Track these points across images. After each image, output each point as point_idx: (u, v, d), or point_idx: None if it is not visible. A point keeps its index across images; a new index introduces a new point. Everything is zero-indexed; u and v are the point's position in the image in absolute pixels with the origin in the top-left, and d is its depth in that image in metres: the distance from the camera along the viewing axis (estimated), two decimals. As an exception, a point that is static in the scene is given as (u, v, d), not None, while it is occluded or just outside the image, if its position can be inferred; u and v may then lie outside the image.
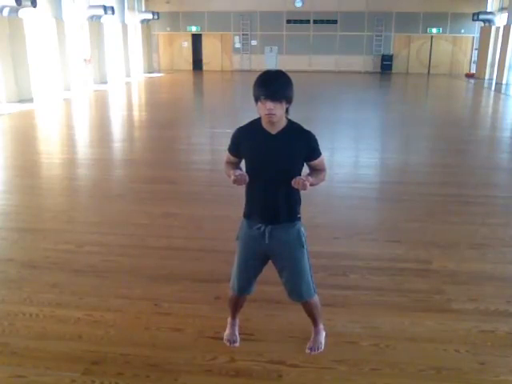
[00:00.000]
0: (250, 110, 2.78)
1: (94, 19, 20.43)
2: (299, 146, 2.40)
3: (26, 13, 15.16)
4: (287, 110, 2.36)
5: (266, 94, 2.24)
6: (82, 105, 15.41)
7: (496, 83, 21.67)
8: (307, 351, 2.77)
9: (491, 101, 17.72)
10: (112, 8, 21.02)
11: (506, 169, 7.58)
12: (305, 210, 2.64)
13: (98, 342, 2.88)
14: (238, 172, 2.35)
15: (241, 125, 2.52)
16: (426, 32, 28.01)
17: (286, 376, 2.61)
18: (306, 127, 2.46)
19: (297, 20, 28.38)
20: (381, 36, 28.14)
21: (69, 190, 6.24)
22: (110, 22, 22.34)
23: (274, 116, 2.29)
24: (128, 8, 25.08)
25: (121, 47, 23.43)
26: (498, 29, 23.11)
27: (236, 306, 2.83)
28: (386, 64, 28.18)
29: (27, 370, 2.63)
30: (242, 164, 2.57)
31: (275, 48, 29.13)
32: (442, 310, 3.25)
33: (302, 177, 2.32)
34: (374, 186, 6.50)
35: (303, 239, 2.57)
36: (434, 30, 27.94)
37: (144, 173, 7.02)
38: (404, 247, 4.28)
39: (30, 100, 14.79)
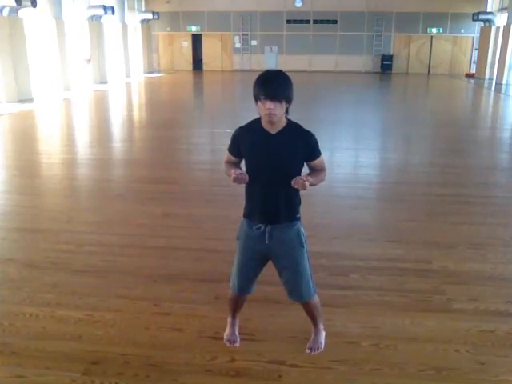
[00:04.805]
0: (250, 110, 2.79)
1: (94, 19, 20.44)
2: (299, 146, 2.40)
3: (25, 13, 15.17)
4: (287, 110, 2.36)
5: (266, 93, 2.24)
6: (82, 105, 15.41)
7: (496, 83, 21.68)
8: (307, 351, 2.77)
9: (491, 101, 17.72)
10: (112, 8, 21.03)
11: (506, 169, 7.58)
12: (305, 210, 2.64)
13: (97, 342, 2.88)
14: (238, 171, 2.35)
15: (241, 125, 2.52)
16: (426, 32, 28.03)
17: (285, 376, 2.61)
18: (306, 127, 2.46)
19: (297, 20, 28.40)
20: (381, 36, 28.16)
21: (69, 190, 6.24)
22: (110, 22, 22.35)
23: (274, 116, 2.29)
24: (128, 8, 25.09)
25: (121, 47, 23.44)
26: (498, 29, 23.11)
27: (236, 305, 2.82)
28: (385, 64, 28.20)
29: (27, 369, 2.63)
30: (242, 164, 2.57)
31: (275, 48, 29.14)
32: (442, 310, 3.25)
33: (301, 176, 2.31)
34: (373, 185, 6.50)
35: (303, 239, 2.57)
36: (434, 30, 27.96)
37: (144, 173, 7.02)
38: (404, 247, 4.28)
39: (30, 100, 14.79)
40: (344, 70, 28.10)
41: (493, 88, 20.52)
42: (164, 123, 11.45)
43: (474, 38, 27.73)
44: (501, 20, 23.27)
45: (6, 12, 14.02)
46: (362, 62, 28.69)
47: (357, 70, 28.33)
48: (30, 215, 5.14)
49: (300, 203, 2.55)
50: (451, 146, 9.12)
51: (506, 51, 21.17)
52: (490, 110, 15.91)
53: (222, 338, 2.86)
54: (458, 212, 5.29)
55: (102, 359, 2.72)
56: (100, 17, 20.69)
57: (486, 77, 23.72)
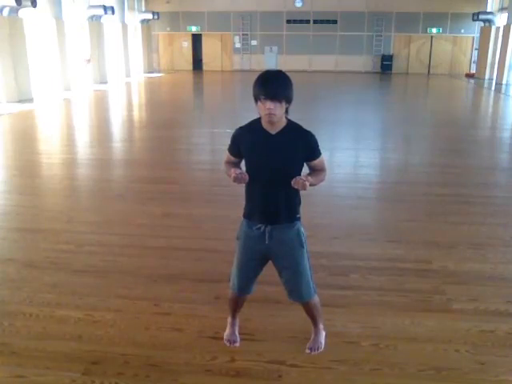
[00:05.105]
0: (250, 110, 2.79)
1: (94, 19, 20.44)
2: (299, 146, 2.40)
3: (26, 13, 15.17)
4: (287, 110, 2.36)
5: (266, 93, 2.24)
6: (82, 105, 15.41)
7: (496, 83, 21.68)
8: (307, 351, 2.77)
9: (491, 101, 17.72)
10: (112, 8, 21.03)
11: (505, 169, 7.58)
12: (305, 210, 2.64)
13: (98, 341, 2.88)
14: (238, 170, 2.35)
15: (241, 125, 2.52)
16: (426, 32, 28.03)
17: (286, 376, 2.61)
18: (306, 127, 2.46)
19: (297, 20, 28.41)
20: (381, 36, 28.16)
21: (69, 190, 6.24)
22: (110, 22, 22.35)
23: (274, 116, 2.29)
24: (128, 8, 25.09)
25: (121, 47, 23.44)
26: (498, 29, 23.12)
27: (236, 305, 2.83)
28: (385, 64, 28.20)
29: (27, 370, 2.63)
30: (242, 164, 2.57)
31: (275, 48, 29.14)
32: (442, 310, 3.25)
33: (301, 177, 2.31)
34: (374, 185, 6.50)
35: (303, 239, 2.56)
36: (434, 30, 27.96)
37: (144, 173, 7.02)
38: (404, 247, 4.28)
39: (30, 100, 14.79)
40: (344, 70, 28.10)
41: (493, 88, 20.52)
42: (164, 123, 11.45)
43: (473, 37, 27.73)
44: (501, 20, 23.27)
45: (6, 12, 14.02)
46: (362, 62, 28.69)
47: (357, 70, 28.32)
48: (29, 215, 5.14)
49: (300, 203, 2.55)
50: (451, 145, 9.12)
51: (506, 51, 21.17)
52: (490, 109, 15.91)
53: (222, 338, 2.86)
54: (458, 212, 5.29)
55: (102, 359, 2.72)
56: (100, 17, 20.69)
57: (486, 77, 23.72)
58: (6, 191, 6.19)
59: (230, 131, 2.60)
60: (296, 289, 2.62)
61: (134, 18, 26.27)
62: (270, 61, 28.54)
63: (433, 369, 2.66)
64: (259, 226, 2.51)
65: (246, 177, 2.34)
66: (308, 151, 2.44)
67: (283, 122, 2.39)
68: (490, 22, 24.10)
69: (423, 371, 2.64)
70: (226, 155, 2.60)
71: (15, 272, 3.77)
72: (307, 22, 28.38)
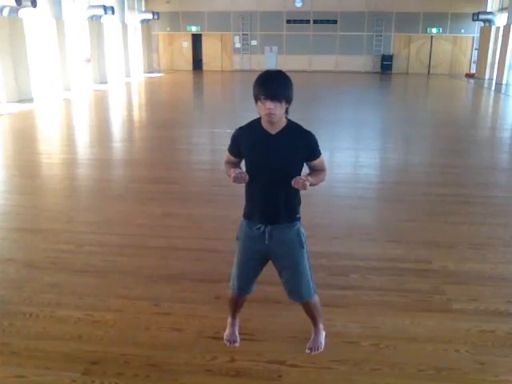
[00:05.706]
0: (250, 110, 2.79)
1: (94, 19, 20.44)
2: (299, 146, 2.40)
3: (26, 13, 15.17)
4: (287, 110, 2.36)
5: (266, 93, 2.24)
6: (82, 105, 15.41)
7: (496, 83, 21.68)
8: (307, 351, 2.77)
9: (491, 101, 17.72)
10: (112, 8, 21.03)
11: (506, 169, 7.58)
12: (305, 210, 2.64)
13: (98, 341, 2.88)
14: (237, 170, 2.35)
15: (241, 125, 2.52)
16: (426, 32, 28.04)
17: (286, 376, 2.61)
18: (306, 127, 2.46)
19: (297, 20, 28.42)
20: (381, 36, 28.16)
21: (69, 190, 6.24)
22: (110, 22, 22.35)
23: (274, 116, 2.29)
24: (128, 8, 25.09)
25: (121, 47, 23.44)
26: (498, 29, 23.12)
27: (236, 305, 2.83)
28: (385, 64, 28.21)
29: (27, 370, 2.63)
30: (242, 164, 2.57)
31: (275, 48, 29.14)
32: (442, 310, 3.25)
33: (301, 177, 2.32)
34: (374, 185, 6.50)
35: (303, 239, 2.56)
36: (434, 30, 27.97)
37: (144, 173, 7.02)
38: (404, 247, 4.28)
39: (30, 100, 14.79)
40: (344, 70, 28.10)
41: (493, 88, 20.52)
42: (164, 123, 11.45)
43: (473, 37, 27.74)
44: (501, 20, 23.28)
45: (6, 12, 14.02)
46: (362, 61, 28.70)
47: (357, 69, 28.33)
48: (29, 215, 5.14)
49: (300, 203, 2.55)
50: (451, 145, 9.12)
51: (506, 51, 21.18)
52: (490, 110, 15.91)
53: (222, 338, 2.86)
54: (457, 212, 5.29)
55: (102, 359, 2.72)
56: (100, 17, 20.69)
57: (486, 77, 23.73)
58: (5, 191, 6.19)
59: (230, 131, 2.60)
60: (296, 289, 2.62)
61: (134, 18, 26.28)
62: (269, 61, 28.55)
63: (433, 369, 2.66)
64: (259, 226, 2.51)
65: (246, 177, 2.34)
66: (308, 151, 2.44)
67: (283, 122, 2.39)
68: (489, 21, 24.11)
69: (423, 371, 2.64)
70: (225, 155, 2.60)
71: (15, 272, 3.77)
72: (307, 22, 28.38)
